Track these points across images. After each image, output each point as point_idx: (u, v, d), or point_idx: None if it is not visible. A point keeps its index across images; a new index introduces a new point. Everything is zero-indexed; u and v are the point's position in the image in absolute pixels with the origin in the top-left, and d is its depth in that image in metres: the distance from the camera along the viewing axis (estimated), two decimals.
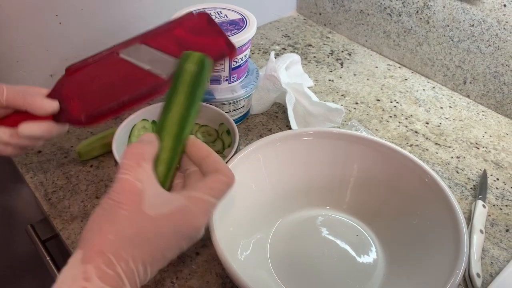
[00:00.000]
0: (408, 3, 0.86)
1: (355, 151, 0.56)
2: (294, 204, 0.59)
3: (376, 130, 0.77)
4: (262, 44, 1.00)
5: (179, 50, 0.50)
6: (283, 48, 0.98)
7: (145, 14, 0.84)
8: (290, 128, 0.77)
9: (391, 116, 0.80)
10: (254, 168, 0.56)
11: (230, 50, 0.55)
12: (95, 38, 0.80)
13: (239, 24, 0.69)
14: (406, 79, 0.90)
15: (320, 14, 1.06)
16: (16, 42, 0.71)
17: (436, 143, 0.75)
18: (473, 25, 0.78)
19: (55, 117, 0.51)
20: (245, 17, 0.71)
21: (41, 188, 0.66)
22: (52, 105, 0.50)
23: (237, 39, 0.66)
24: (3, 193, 0.85)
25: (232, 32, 0.67)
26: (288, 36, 1.03)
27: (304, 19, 1.10)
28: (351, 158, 0.57)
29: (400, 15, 0.89)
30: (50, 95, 0.52)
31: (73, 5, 0.74)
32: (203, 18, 0.59)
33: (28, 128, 0.48)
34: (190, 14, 0.60)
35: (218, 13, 0.71)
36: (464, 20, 0.79)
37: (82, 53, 0.80)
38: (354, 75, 0.91)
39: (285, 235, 0.58)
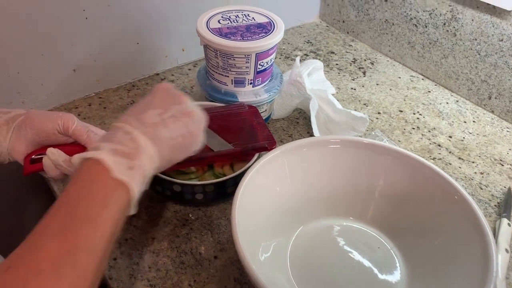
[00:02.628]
0: (436, 15, 0.85)
1: (382, 162, 0.55)
2: (316, 212, 0.58)
3: (399, 141, 0.76)
4: (284, 49, 0.99)
5: (234, 137, 0.63)
6: (305, 54, 0.98)
7: (170, 13, 0.83)
8: (311, 134, 0.76)
9: (414, 128, 0.79)
10: (279, 173, 0.55)
11: (271, 144, 0.59)
12: (120, 34, 0.80)
13: (266, 28, 0.68)
14: (430, 91, 0.89)
15: (343, 21, 1.05)
16: (42, 35, 0.71)
17: (459, 158, 0.74)
18: (502, 40, 0.77)
19: None
20: (273, 21, 0.70)
21: (59, 183, 0.65)
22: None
23: (264, 43, 0.65)
24: (28, 198, 0.85)
25: (260, 35, 0.66)
26: (311, 42, 1.02)
27: (327, 26, 1.09)
28: (378, 169, 0.56)
29: (426, 27, 0.88)
30: None
31: (101, 1, 0.74)
32: (253, 109, 0.66)
33: None
34: (242, 104, 0.67)
35: (245, 16, 0.71)
36: (493, 35, 0.78)
37: (106, 49, 0.80)
38: (377, 84, 0.90)
39: (306, 242, 0.57)
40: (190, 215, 0.62)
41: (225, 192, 0.60)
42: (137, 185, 0.39)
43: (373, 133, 0.72)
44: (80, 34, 0.75)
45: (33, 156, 0.54)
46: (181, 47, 0.90)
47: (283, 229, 0.57)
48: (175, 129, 0.45)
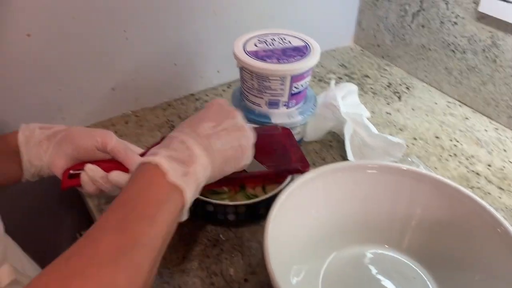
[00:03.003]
0: (475, 41, 0.83)
1: (421, 190, 0.53)
2: (350, 238, 0.57)
3: (435, 168, 0.74)
4: (318, 72, 0.99)
5: (267, 158, 0.62)
6: (339, 77, 0.97)
7: (207, 36, 0.85)
8: (345, 158, 0.75)
9: (450, 155, 0.77)
10: (312, 196, 0.55)
11: (304, 166, 0.59)
12: (158, 55, 0.82)
13: (302, 51, 0.68)
14: (467, 118, 0.86)
15: (378, 46, 1.05)
16: (84, 54, 0.74)
17: (499, 187, 0.71)
18: None
19: None
20: (309, 44, 0.70)
21: (96, 201, 0.67)
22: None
23: (300, 65, 0.65)
24: (63, 211, 0.87)
25: (295, 58, 0.66)
26: (345, 66, 1.02)
27: (361, 50, 1.09)
28: (416, 197, 0.54)
29: (464, 52, 0.86)
30: (143, 155, 0.56)
31: (141, 22, 0.76)
32: (286, 131, 0.66)
33: (118, 177, 0.52)
34: (275, 126, 0.67)
35: (281, 39, 0.71)
36: None
37: (144, 69, 0.82)
38: (413, 109, 0.88)
39: (339, 268, 0.55)
40: (221, 236, 0.62)
41: (256, 213, 0.59)
42: (190, 191, 0.41)
43: (409, 159, 0.70)
44: (120, 54, 0.77)
45: (71, 171, 0.55)
46: (216, 69, 0.91)
47: (315, 254, 0.56)
48: (227, 142, 0.47)
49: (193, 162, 0.43)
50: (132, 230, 0.36)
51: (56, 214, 0.87)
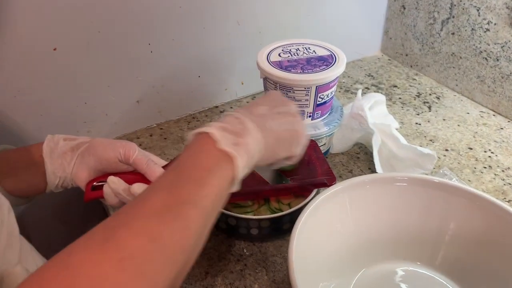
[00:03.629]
0: (509, 48, 0.80)
1: (455, 204, 0.51)
2: (380, 254, 0.54)
3: (469, 181, 0.71)
4: (344, 82, 0.97)
5: (291, 171, 0.61)
6: (366, 88, 0.95)
7: (231, 48, 0.85)
8: (373, 170, 0.72)
9: (485, 167, 0.74)
10: (339, 210, 0.53)
11: (330, 180, 0.57)
12: (182, 68, 0.82)
13: (328, 60, 0.67)
14: (502, 128, 0.83)
15: (406, 55, 1.02)
16: (109, 67, 0.74)
17: None
18: None
19: None
20: (334, 53, 0.69)
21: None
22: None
23: (325, 75, 0.64)
24: (85, 222, 0.87)
25: (321, 68, 0.65)
26: (372, 76, 0.99)
27: (389, 60, 1.06)
28: (449, 211, 0.51)
29: (498, 60, 0.83)
30: (166, 167, 0.56)
31: (165, 35, 0.76)
32: (311, 143, 0.64)
33: (140, 189, 0.52)
34: None
35: (306, 49, 0.70)
36: None
37: (168, 81, 0.82)
38: (443, 120, 0.85)
39: (368, 286, 0.53)
40: (245, 251, 0.60)
41: (281, 228, 0.58)
42: (241, 160, 0.41)
43: (441, 171, 0.67)
44: (144, 67, 0.78)
45: (94, 183, 0.55)
46: (240, 81, 0.90)
47: (343, 270, 0.53)
48: (282, 123, 0.47)
49: (245, 134, 0.42)
50: (181, 190, 0.37)
51: (78, 223, 0.87)
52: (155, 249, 0.33)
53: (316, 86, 0.64)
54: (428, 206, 0.52)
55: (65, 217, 0.84)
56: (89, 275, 0.29)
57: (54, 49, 0.68)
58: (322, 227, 0.52)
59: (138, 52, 0.76)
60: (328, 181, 0.57)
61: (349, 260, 0.54)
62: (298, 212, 0.56)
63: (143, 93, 0.80)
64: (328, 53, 0.69)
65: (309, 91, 0.64)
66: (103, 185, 0.55)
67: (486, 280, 0.50)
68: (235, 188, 0.42)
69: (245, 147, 0.42)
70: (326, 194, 0.52)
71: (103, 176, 0.55)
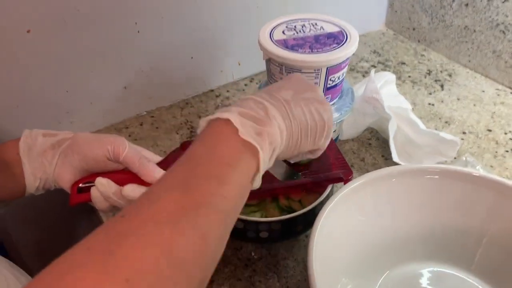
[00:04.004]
0: None
1: (497, 202, 0.45)
2: (406, 255, 0.49)
3: (491, 166, 0.65)
4: None
5: (302, 165, 0.54)
6: (372, 65, 0.88)
7: (227, 24, 0.77)
8: (386, 158, 0.66)
9: (507, 151, 0.68)
10: (361, 207, 0.47)
11: (347, 174, 0.51)
12: (173, 48, 0.74)
13: (338, 38, 0.59)
14: None
15: (414, 29, 0.95)
16: (91, 50, 0.66)
17: None
18: None
19: None
20: (344, 30, 0.61)
21: (110, 216, 0.59)
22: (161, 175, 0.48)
23: (337, 55, 0.57)
24: (75, 222, 0.80)
25: (332, 46, 0.58)
26: (377, 53, 0.92)
27: (394, 34, 0.99)
28: (490, 209, 0.45)
29: None
30: (161, 164, 0.49)
31: (154, 13, 0.68)
32: None
33: (133, 191, 0.46)
34: None
35: (313, 25, 0.62)
36: None
37: (158, 64, 0.74)
38: (458, 99, 0.79)
39: None
40: (253, 254, 0.54)
41: (294, 230, 0.51)
42: (265, 153, 0.35)
43: (464, 159, 0.61)
44: (131, 49, 0.70)
45: (80, 185, 0.48)
46: (237, 61, 0.83)
47: (365, 273, 0.48)
48: (308, 112, 0.40)
49: (269, 123, 0.36)
50: (197, 189, 0.31)
51: (67, 226, 0.80)
52: (170, 264, 0.26)
53: (327, 68, 0.57)
54: (464, 202, 0.46)
55: (50, 219, 0.77)
56: None
57: (28, 31, 0.60)
58: (342, 228, 0.47)
59: (123, 32, 0.68)
60: (344, 175, 0.51)
61: (372, 259, 0.49)
62: (312, 212, 0.50)
63: (130, 78, 0.72)
64: (338, 29, 0.61)
65: (319, 73, 0.57)
66: (90, 186, 0.48)
67: None
68: (257, 185, 0.36)
69: (268, 139, 0.36)
70: (346, 189, 0.46)
71: (90, 176, 0.49)
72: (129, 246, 0.26)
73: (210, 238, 0.30)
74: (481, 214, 0.46)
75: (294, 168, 0.55)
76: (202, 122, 0.37)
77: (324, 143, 0.43)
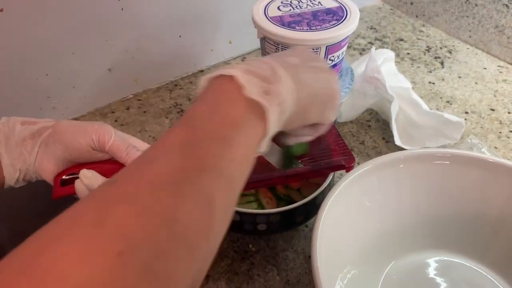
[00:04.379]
0: None
1: (506, 186, 0.42)
2: (415, 243, 0.47)
3: (495, 148, 0.62)
4: None
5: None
6: (369, 42, 0.84)
7: (218, 1, 0.72)
8: (387, 141, 0.64)
9: (511, 131, 0.65)
10: (367, 194, 0.45)
11: (349, 161, 0.48)
12: (160, 27, 0.69)
13: (338, 14, 0.56)
14: None
15: (411, 3, 0.91)
16: (71, 31, 0.61)
17: None
18: None
19: None
20: (344, 5, 0.57)
21: None
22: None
23: (337, 33, 0.53)
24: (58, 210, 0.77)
25: (331, 23, 0.54)
26: (374, 29, 0.88)
27: (391, 9, 0.95)
28: (506, 197, 0.43)
29: None
30: None
31: None
32: None
33: None
34: None
35: (310, 0, 0.58)
36: None
37: (144, 44, 0.70)
38: (459, 77, 0.76)
39: (400, 280, 0.46)
40: (250, 246, 0.52)
41: (293, 221, 0.49)
42: (273, 114, 0.31)
43: (469, 140, 0.58)
44: (115, 28, 0.65)
45: (64, 177, 0.45)
46: (228, 39, 0.78)
47: (371, 263, 0.46)
48: (316, 79, 0.37)
49: (278, 81, 0.33)
50: (200, 152, 0.28)
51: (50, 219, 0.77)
52: (170, 235, 0.23)
53: (327, 46, 0.53)
54: (476, 188, 0.44)
55: (31, 214, 0.73)
56: (73, 281, 0.19)
57: (1, 10, 0.55)
58: (347, 218, 0.45)
59: (106, 10, 0.63)
60: (346, 162, 0.48)
61: (379, 247, 0.47)
62: (313, 202, 0.47)
63: (115, 60, 0.68)
64: (337, 4, 0.57)
65: (318, 52, 0.53)
66: (75, 178, 0.44)
67: None
68: (264, 149, 0.33)
69: (277, 98, 0.32)
70: (350, 177, 0.44)
71: (74, 167, 0.45)
72: (121, 214, 0.22)
73: (216, 204, 0.26)
74: (495, 201, 0.43)
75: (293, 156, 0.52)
76: (203, 81, 0.33)
77: (330, 116, 0.39)
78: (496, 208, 0.44)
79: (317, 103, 0.37)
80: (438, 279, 0.46)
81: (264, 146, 0.32)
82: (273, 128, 0.32)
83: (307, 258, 0.50)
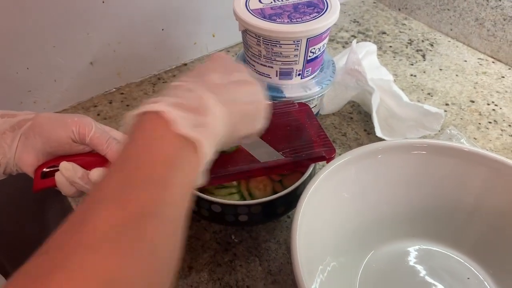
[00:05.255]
0: None
1: (486, 178, 0.43)
2: (394, 232, 0.48)
3: (475, 139, 0.64)
4: None
5: (282, 143, 0.51)
6: (352, 36, 0.85)
7: None
8: (368, 132, 0.64)
9: (490, 122, 0.66)
10: (345, 185, 0.45)
11: (330, 152, 0.48)
12: (142, 19, 0.69)
13: (318, 6, 0.56)
14: (503, 77, 0.75)
15: None
16: (52, 24, 0.61)
17: None
18: None
19: None
20: None
21: (79, 201, 0.56)
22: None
23: (318, 25, 0.53)
24: (41, 203, 0.76)
25: (311, 15, 0.54)
26: (357, 22, 0.89)
27: (374, 3, 0.95)
28: (482, 186, 0.44)
29: (500, 0, 0.74)
30: None
31: None
32: (304, 107, 0.55)
33: (100, 175, 0.41)
34: (291, 102, 0.56)
35: None
36: None
37: (127, 37, 0.69)
38: (440, 69, 0.77)
39: (378, 270, 0.47)
40: (233, 237, 0.52)
41: (274, 212, 0.49)
42: (208, 145, 0.31)
43: (448, 132, 0.59)
44: (96, 21, 0.65)
45: (44, 169, 0.45)
46: (211, 32, 0.78)
47: (352, 252, 0.46)
48: (242, 94, 0.37)
49: (207, 111, 0.32)
50: (134, 198, 0.26)
51: (33, 213, 0.76)
52: None
53: (307, 39, 0.53)
54: (452, 178, 0.45)
55: (15, 206, 0.73)
56: None
57: None
58: (326, 208, 0.45)
59: (87, 2, 0.62)
60: (326, 153, 0.48)
61: (358, 237, 0.47)
62: (294, 192, 0.47)
63: (97, 53, 0.68)
64: None
65: (299, 45, 0.54)
66: (55, 170, 0.44)
67: (509, 258, 0.44)
68: (201, 182, 0.32)
69: (210, 129, 0.32)
70: (329, 168, 0.44)
71: (55, 160, 0.45)
72: (57, 285, 0.21)
73: (160, 251, 0.26)
74: (470, 190, 0.44)
75: (275, 148, 0.52)
76: (128, 118, 0.32)
77: (258, 126, 0.39)
78: (472, 196, 0.44)
79: (246, 119, 0.37)
80: (417, 267, 0.47)
81: (202, 179, 0.32)
82: (208, 158, 0.32)
83: (289, 249, 0.51)
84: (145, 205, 0.26)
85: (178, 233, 0.28)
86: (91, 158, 0.45)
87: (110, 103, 0.71)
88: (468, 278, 0.46)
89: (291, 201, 0.48)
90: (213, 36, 0.79)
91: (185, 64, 0.78)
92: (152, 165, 0.28)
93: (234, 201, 0.48)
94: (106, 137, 0.44)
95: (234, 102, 0.35)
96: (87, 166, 0.44)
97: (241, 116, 0.36)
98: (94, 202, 0.26)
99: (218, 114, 0.33)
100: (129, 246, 0.24)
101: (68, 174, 0.43)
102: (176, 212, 0.28)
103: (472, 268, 0.46)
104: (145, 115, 0.31)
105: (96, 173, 0.43)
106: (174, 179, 0.29)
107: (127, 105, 0.70)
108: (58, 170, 0.44)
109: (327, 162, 0.47)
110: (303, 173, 0.49)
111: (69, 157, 0.45)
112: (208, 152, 0.31)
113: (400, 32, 0.86)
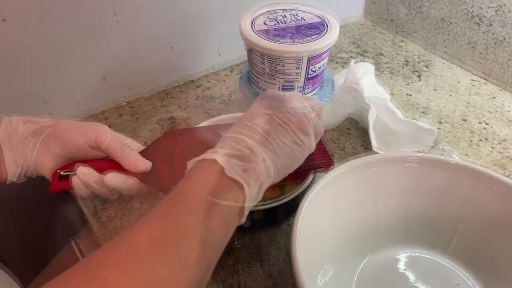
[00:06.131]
0: (503, 12, 0.75)
1: (472, 188, 0.46)
2: (387, 240, 0.51)
3: (466, 155, 0.67)
4: None
5: None
6: (351, 56, 0.89)
7: (208, 13, 0.76)
8: (366, 147, 0.68)
9: (481, 140, 0.70)
10: (343, 194, 0.48)
11: (328, 163, 0.52)
12: (153, 38, 0.73)
13: (319, 28, 0.60)
14: (495, 97, 0.79)
15: (391, 20, 0.96)
16: (70, 40, 0.65)
17: None
18: None
19: (143, 177, 0.48)
20: (325, 20, 0.62)
21: (90, 204, 0.59)
22: (145, 166, 0.48)
23: (318, 45, 0.57)
24: (49, 204, 0.79)
25: (312, 36, 0.58)
26: (356, 43, 0.93)
27: (373, 25, 1.00)
28: (466, 195, 0.47)
29: (491, 25, 0.78)
30: (144, 153, 0.50)
31: (133, 2, 0.67)
32: None
33: (115, 180, 0.47)
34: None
35: (293, 15, 0.63)
36: None
37: (138, 54, 0.73)
38: (435, 89, 0.80)
39: (372, 274, 0.49)
40: (236, 243, 0.55)
41: (275, 219, 0.52)
42: (251, 188, 0.37)
43: (441, 147, 0.63)
44: (110, 38, 0.69)
45: (61, 173, 0.48)
46: (216, 50, 0.82)
47: (347, 258, 0.49)
48: (286, 137, 0.42)
49: (253, 159, 0.38)
50: (179, 221, 0.32)
51: (46, 217, 0.79)
52: None
53: (308, 58, 0.57)
54: (442, 189, 0.48)
55: (25, 209, 0.76)
56: None
57: (4, 20, 0.58)
58: (324, 215, 0.47)
59: (102, 21, 0.67)
60: (325, 164, 0.52)
61: (354, 245, 0.50)
62: (294, 200, 0.50)
63: (110, 68, 0.72)
64: (318, 20, 0.62)
65: (300, 63, 0.58)
66: (71, 174, 0.48)
67: (502, 266, 0.47)
68: (243, 221, 0.38)
69: (255, 175, 0.37)
70: (328, 178, 0.47)
71: (71, 164, 0.48)
72: (109, 274, 0.28)
73: (191, 268, 0.31)
74: (457, 200, 0.47)
75: None
76: (190, 163, 0.38)
77: (293, 169, 0.44)
78: (457, 205, 0.48)
79: (294, 159, 0.43)
80: (410, 273, 0.50)
81: (244, 218, 0.38)
82: (251, 200, 0.37)
83: (289, 254, 0.53)
84: (185, 227, 0.32)
85: (212, 257, 0.34)
86: (105, 163, 0.48)
87: (120, 116, 0.74)
88: (458, 284, 0.49)
89: (292, 208, 0.51)
90: (219, 54, 0.83)
91: (192, 81, 0.82)
92: (200, 197, 0.34)
93: None
94: (120, 144, 0.48)
95: (281, 148, 0.41)
96: (102, 171, 0.47)
97: (289, 159, 0.41)
98: (145, 220, 0.33)
99: (264, 160, 0.39)
100: (165, 257, 0.30)
101: (84, 178, 0.47)
102: (214, 239, 0.33)
103: (462, 275, 0.49)
104: (202, 161, 0.37)
105: (110, 177, 0.47)
106: (218, 211, 0.34)
107: (137, 118, 0.74)
108: (74, 173, 0.47)
109: (325, 172, 0.50)
110: (302, 183, 0.52)
111: (85, 161, 0.48)
112: (251, 193, 0.37)
113: (397, 53, 0.90)
